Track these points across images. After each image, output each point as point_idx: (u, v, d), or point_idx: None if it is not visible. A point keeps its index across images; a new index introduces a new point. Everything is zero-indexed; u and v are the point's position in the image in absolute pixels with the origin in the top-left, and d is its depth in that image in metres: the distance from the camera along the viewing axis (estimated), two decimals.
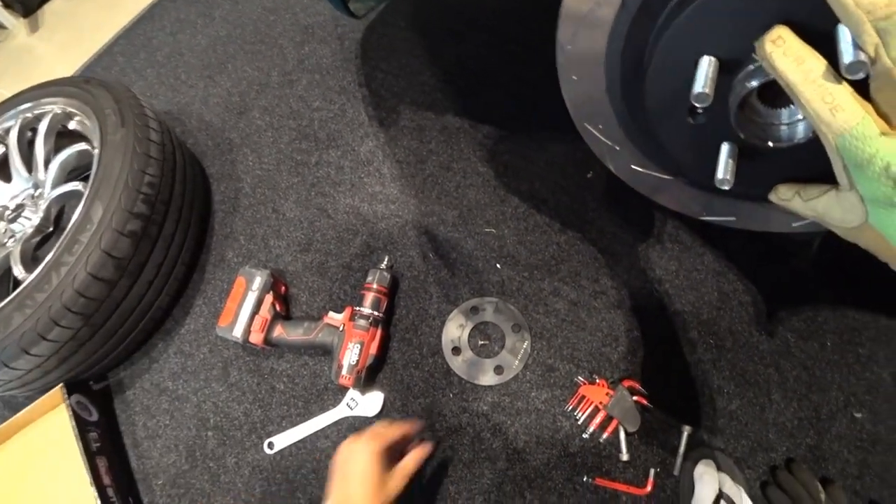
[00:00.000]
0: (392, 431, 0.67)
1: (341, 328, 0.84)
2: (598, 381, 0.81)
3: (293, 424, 0.85)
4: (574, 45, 0.54)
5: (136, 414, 0.91)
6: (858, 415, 0.78)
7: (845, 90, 0.34)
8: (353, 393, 0.85)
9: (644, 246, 0.91)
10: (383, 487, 0.61)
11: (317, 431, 0.84)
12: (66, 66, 1.60)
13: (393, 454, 0.65)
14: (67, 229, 0.84)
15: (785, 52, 0.36)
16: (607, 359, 0.84)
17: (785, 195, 0.48)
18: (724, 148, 0.48)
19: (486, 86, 1.10)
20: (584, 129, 0.64)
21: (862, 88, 0.35)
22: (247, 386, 0.89)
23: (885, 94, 0.34)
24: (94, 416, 0.89)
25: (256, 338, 0.85)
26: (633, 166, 0.64)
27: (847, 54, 0.33)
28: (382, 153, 1.05)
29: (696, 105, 0.42)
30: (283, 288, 0.93)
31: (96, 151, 0.92)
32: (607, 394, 0.79)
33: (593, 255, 0.91)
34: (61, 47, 1.77)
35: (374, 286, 0.85)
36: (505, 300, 0.88)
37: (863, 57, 0.33)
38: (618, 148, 0.63)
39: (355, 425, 0.83)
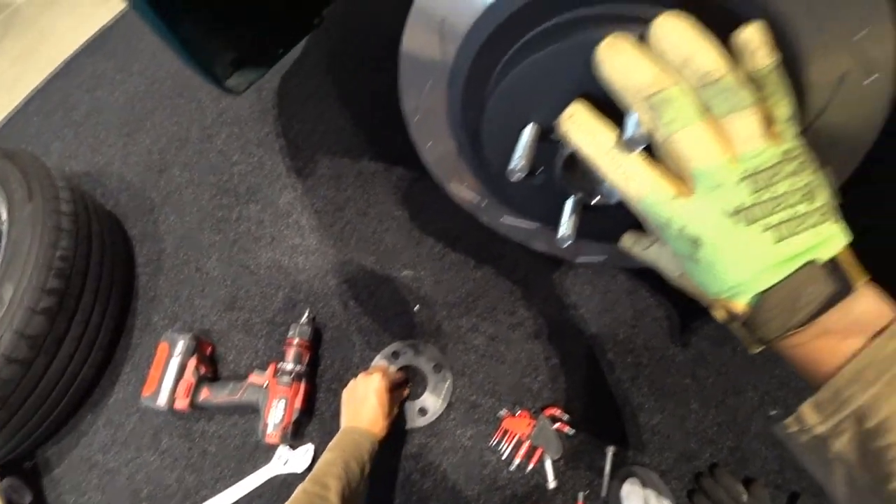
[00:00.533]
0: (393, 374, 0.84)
1: (265, 385, 0.85)
2: (520, 412, 0.84)
3: (227, 486, 0.84)
4: (420, 116, 0.56)
5: (65, 493, 0.89)
6: (773, 412, 0.82)
7: (636, 160, 0.36)
8: (282, 449, 0.85)
9: (557, 274, 0.95)
10: (387, 412, 0.77)
11: (250, 492, 0.84)
12: None
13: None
14: None
15: (577, 128, 0.38)
16: (528, 389, 0.87)
17: (627, 243, 0.50)
18: (568, 204, 0.49)
19: (398, 127, 1.11)
20: (450, 189, 0.65)
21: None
22: (178, 452, 0.88)
23: (669, 162, 0.36)
24: (29, 499, 0.87)
25: (182, 404, 0.84)
26: (502, 220, 0.66)
27: (627, 130, 0.35)
28: (301, 204, 1.06)
29: (512, 176, 0.43)
30: (208, 349, 0.93)
31: (3, 228, 0.90)
32: (529, 424, 0.82)
33: (509, 289, 0.94)
34: None
35: (296, 340, 0.86)
36: (425, 341, 0.90)
37: (640, 132, 0.35)
38: (484, 202, 0.64)
39: (288, 481, 0.84)
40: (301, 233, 1.03)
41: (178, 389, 0.85)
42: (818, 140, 0.39)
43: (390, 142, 1.10)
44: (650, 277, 0.92)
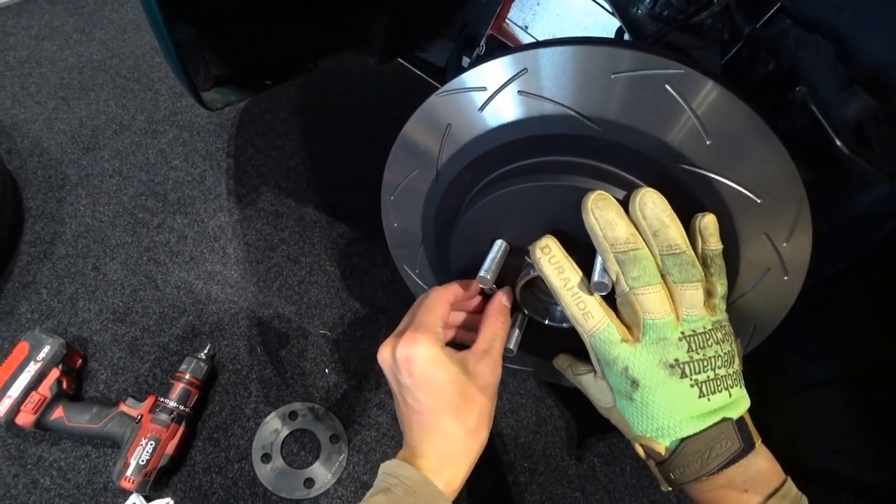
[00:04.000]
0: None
1: (138, 419, 0.72)
2: None
3: None
4: (396, 197, 0.56)
5: None
6: None
7: (595, 300, 0.40)
8: (135, 498, 0.71)
9: None
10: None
11: None
12: None
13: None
14: None
15: (549, 260, 0.41)
16: None
17: (562, 364, 0.52)
18: (516, 317, 0.51)
19: (351, 184, 1.08)
20: (403, 270, 0.65)
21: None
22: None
23: (626, 309, 0.40)
24: None
25: (25, 419, 0.69)
26: None
27: (595, 274, 0.39)
28: (232, 231, 0.96)
29: (482, 283, 0.44)
30: (79, 361, 0.78)
31: None
32: None
33: None
34: None
35: (187, 377, 0.75)
36: (328, 408, 0.82)
37: (606, 280, 0.38)
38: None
39: None
40: (224, 261, 0.93)
41: (26, 401, 0.69)
42: (735, 316, 0.45)
43: (339, 199, 1.05)
44: (557, 388, 0.92)
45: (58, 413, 0.71)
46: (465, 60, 0.84)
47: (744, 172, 0.38)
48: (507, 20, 0.76)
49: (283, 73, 0.83)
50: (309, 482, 0.77)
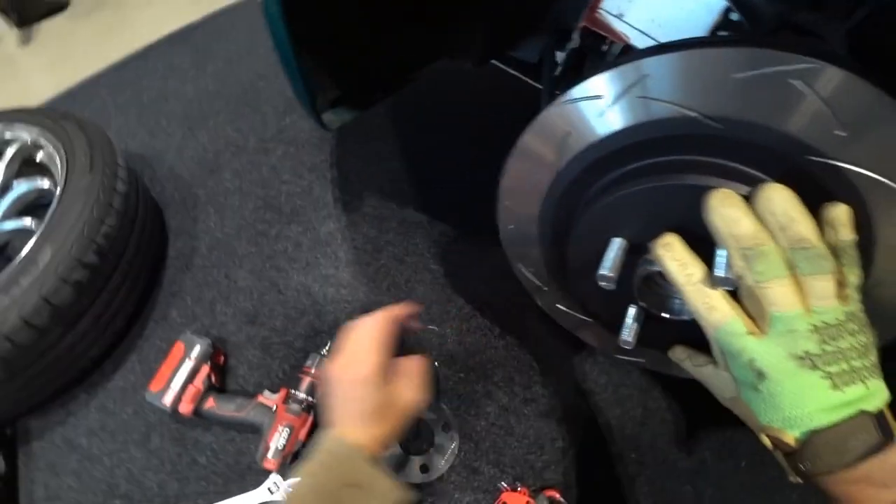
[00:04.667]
0: (398, 310, 0.61)
1: (274, 409, 0.80)
2: (520, 488, 0.79)
3: (208, 503, 0.78)
4: (512, 201, 0.57)
5: (38, 470, 0.82)
6: None
7: (720, 293, 0.40)
8: (275, 477, 0.79)
9: (578, 358, 0.92)
10: (387, 370, 0.53)
11: None
12: (47, 86, 1.54)
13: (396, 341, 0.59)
14: (8, 267, 0.79)
15: (672, 257, 0.42)
16: (531, 466, 0.83)
17: (679, 355, 0.52)
18: (631, 311, 0.51)
19: (450, 184, 1.12)
20: (517, 269, 0.66)
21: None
22: (167, 455, 0.82)
23: (750, 302, 0.40)
24: (2, 469, 0.80)
25: (186, 408, 0.79)
26: (557, 305, 0.67)
27: (718, 270, 0.39)
28: (341, 236, 1.04)
29: (602, 280, 0.45)
30: (221, 359, 0.88)
31: (58, 191, 0.87)
32: (528, 502, 0.77)
33: (529, 363, 0.91)
34: (48, 66, 1.70)
35: (313, 371, 0.82)
36: (437, 399, 0.86)
37: (730, 275, 0.38)
38: (545, 288, 0.66)
39: None
40: (336, 264, 1.00)
41: (185, 393, 0.80)
42: (870, 306, 0.42)
43: (439, 198, 1.09)
44: (663, 379, 0.90)
45: (209, 403, 0.81)
46: (560, 55, 0.84)
47: (881, 161, 0.36)
48: (599, 10, 0.75)
49: (391, 87, 0.88)
50: (424, 468, 0.81)
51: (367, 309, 0.94)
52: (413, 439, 0.83)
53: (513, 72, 0.86)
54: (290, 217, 1.07)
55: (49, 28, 1.86)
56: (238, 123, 1.28)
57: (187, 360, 0.82)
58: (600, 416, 0.87)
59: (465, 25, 0.78)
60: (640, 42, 0.74)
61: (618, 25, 0.75)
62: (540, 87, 0.86)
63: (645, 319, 0.51)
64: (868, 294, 0.43)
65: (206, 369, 0.82)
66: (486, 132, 1.13)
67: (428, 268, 0.99)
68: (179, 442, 0.83)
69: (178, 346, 0.83)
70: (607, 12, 0.75)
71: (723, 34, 0.60)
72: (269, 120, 1.28)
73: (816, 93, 0.35)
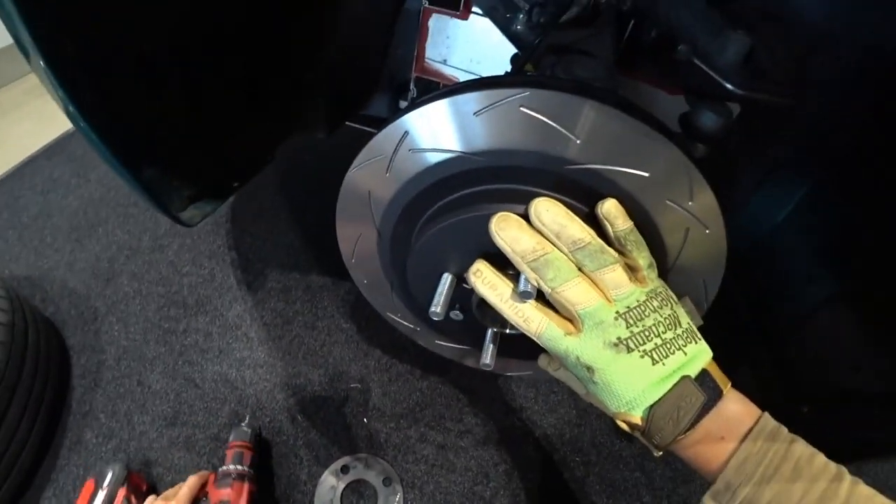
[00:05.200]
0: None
1: (205, 494, 0.78)
2: None
3: None
4: (355, 259, 0.63)
5: None
6: None
7: (531, 305, 0.44)
8: None
9: (501, 379, 0.97)
10: None
11: None
12: None
13: None
14: None
15: (483, 282, 0.46)
16: (481, 497, 0.85)
17: (542, 362, 0.57)
18: (488, 335, 0.56)
19: None
20: (387, 317, 0.71)
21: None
22: None
23: (559, 307, 0.44)
24: None
25: None
26: (437, 341, 0.71)
27: (520, 285, 0.44)
28: (250, 317, 1.04)
29: (434, 317, 0.49)
30: (143, 486, 0.84)
31: None
32: None
33: (455, 396, 0.95)
34: None
35: (236, 443, 0.81)
36: (374, 454, 0.88)
37: (529, 288, 0.43)
38: (418, 329, 0.70)
39: None
40: (250, 345, 1.00)
41: None
42: (680, 277, 0.49)
43: (337, 257, 1.12)
44: None
45: None
46: (403, 103, 0.92)
47: (622, 156, 0.43)
48: (426, 60, 0.84)
49: (247, 173, 0.90)
50: None
51: (287, 383, 0.95)
52: (356, 502, 0.84)
53: (367, 129, 0.92)
54: (196, 308, 1.06)
55: None
56: (129, 226, 1.26)
57: (100, 491, 0.78)
58: (536, 428, 0.92)
59: (306, 100, 0.83)
60: (466, 78, 0.83)
61: (445, 70, 0.84)
62: None
63: (502, 339, 0.56)
64: (673, 268, 0.49)
65: (122, 492, 0.78)
66: None
67: (340, 328, 1.02)
68: None
69: (88, 485, 0.79)
70: (433, 60, 0.84)
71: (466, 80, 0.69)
72: (159, 217, 1.26)
73: (543, 114, 0.42)
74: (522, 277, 0.44)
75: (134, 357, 1.01)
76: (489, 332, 0.56)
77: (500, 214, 0.43)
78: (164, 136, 0.69)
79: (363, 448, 0.88)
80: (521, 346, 0.56)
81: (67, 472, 0.88)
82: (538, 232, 0.43)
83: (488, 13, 0.69)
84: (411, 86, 0.86)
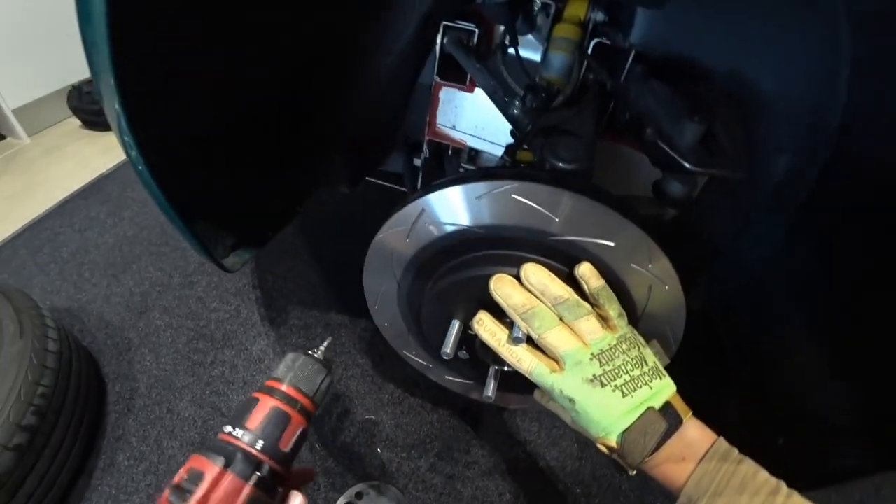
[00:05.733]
0: None
1: None
2: None
3: None
4: (378, 306, 0.72)
5: None
6: None
7: (523, 348, 0.53)
8: None
9: (507, 413, 1.04)
10: None
11: None
12: None
13: None
14: None
15: (484, 329, 0.56)
16: None
17: (538, 397, 0.65)
18: (490, 372, 0.65)
19: (361, 283, 1.24)
20: (404, 356, 0.80)
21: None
22: None
23: (546, 350, 0.53)
24: None
25: None
26: (446, 376, 0.81)
27: (514, 332, 0.54)
28: (273, 351, 1.13)
29: (444, 356, 0.60)
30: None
31: None
32: None
33: (463, 429, 1.02)
34: None
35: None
36: (386, 482, 0.94)
37: (520, 334, 0.53)
38: (430, 366, 0.79)
39: None
40: None
41: None
42: (649, 325, 0.59)
43: (355, 297, 1.20)
44: None
45: None
46: (417, 161, 1.03)
47: (591, 230, 0.53)
48: (437, 125, 0.96)
49: (280, 223, 1.01)
50: None
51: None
52: None
53: (385, 183, 1.03)
54: (223, 342, 1.15)
55: None
56: (160, 263, 1.36)
57: None
58: (540, 460, 0.98)
59: (330, 159, 0.94)
60: (473, 143, 0.95)
61: (454, 134, 0.96)
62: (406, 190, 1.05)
63: (503, 375, 0.64)
64: (643, 318, 0.59)
65: None
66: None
67: (356, 363, 1.10)
68: None
69: None
70: (443, 126, 0.95)
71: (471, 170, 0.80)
72: (189, 255, 1.37)
73: (529, 199, 0.53)
74: (515, 326, 0.54)
75: (164, 386, 1.09)
76: (491, 369, 0.64)
77: (497, 275, 0.54)
78: (212, 193, 0.79)
79: (376, 476, 0.95)
80: (518, 382, 0.65)
81: (100, 492, 0.95)
82: (527, 290, 0.53)
83: (490, 96, 0.81)
84: (424, 146, 0.98)
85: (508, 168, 0.73)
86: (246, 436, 0.47)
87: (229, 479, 0.43)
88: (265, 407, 0.49)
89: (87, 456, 1.00)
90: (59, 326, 1.03)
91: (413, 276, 0.65)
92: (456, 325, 0.61)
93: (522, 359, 0.53)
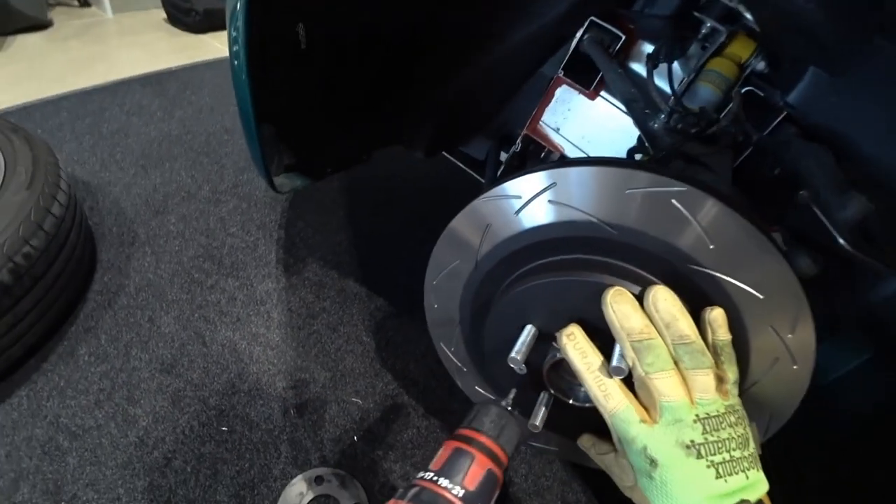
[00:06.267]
0: None
1: None
2: None
3: None
4: (438, 282, 0.61)
5: None
6: None
7: (615, 382, 0.44)
8: None
9: None
10: None
11: None
12: (5, 97, 1.49)
13: None
14: None
15: (574, 346, 0.45)
16: None
17: (585, 443, 0.55)
18: (542, 396, 0.54)
19: (390, 262, 1.15)
20: (440, 348, 0.69)
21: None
22: None
23: (643, 392, 0.43)
24: None
25: None
26: (476, 387, 0.69)
27: (614, 360, 0.43)
28: (278, 297, 1.03)
29: (513, 363, 0.48)
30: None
31: None
32: None
33: None
34: (11, 78, 1.66)
35: None
36: (353, 476, 0.83)
37: (623, 365, 0.42)
38: (465, 369, 0.68)
39: None
40: (268, 324, 0.98)
41: None
42: (751, 403, 0.48)
43: (379, 275, 1.12)
44: (582, 472, 0.90)
45: None
46: (503, 155, 0.94)
47: (746, 273, 0.43)
48: (540, 122, 0.86)
49: (343, 163, 0.93)
50: None
51: (291, 374, 0.92)
52: None
53: (460, 164, 0.94)
54: (230, 270, 1.06)
55: (24, 43, 1.84)
56: (194, 171, 1.28)
57: None
58: None
59: (415, 120, 0.86)
60: (571, 153, 0.85)
61: (554, 137, 0.86)
62: (483, 181, 0.95)
63: (554, 406, 0.54)
64: (746, 392, 0.48)
65: None
66: (434, 218, 1.19)
67: (360, 339, 0.99)
68: (53, 496, 0.74)
69: None
70: (547, 125, 0.86)
71: (634, 156, 0.69)
72: (226, 173, 1.29)
73: (693, 214, 0.42)
74: (617, 353, 0.43)
75: (154, 293, 0.99)
76: (543, 395, 0.54)
77: (616, 288, 0.44)
78: (292, 101, 0.71)
79: (344, 466, 0.84)
80: (565, 420, 0.54)
81: (49, 378, 0.85)
82: (648, 316, 0.42)
83: (626, 103, 0.72)
84: (518, 141, 0.88)
85: (677, 165, 0.62)
86: (468, 496, 0.41)
87: None
88: (482, 467, 0.44)
89: (49, 337, 0.90)
90: (71, 194, 0.94)
91: (500, 261, 0.53)
92: (531, 332, 0.50)
93: (611, 395, 0.43)
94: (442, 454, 0.44)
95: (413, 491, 0.40)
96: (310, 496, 0.79)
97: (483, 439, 0.45)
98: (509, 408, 0.49)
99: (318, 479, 0.81)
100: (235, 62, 0.60)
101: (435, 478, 0.41)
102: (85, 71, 1.64)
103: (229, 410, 0.84)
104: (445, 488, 0.41)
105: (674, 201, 0.42)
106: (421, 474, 0.42)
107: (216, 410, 0.84)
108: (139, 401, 0.84)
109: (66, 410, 0.81)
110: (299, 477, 0.81)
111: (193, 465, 0.78)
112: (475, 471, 0.42)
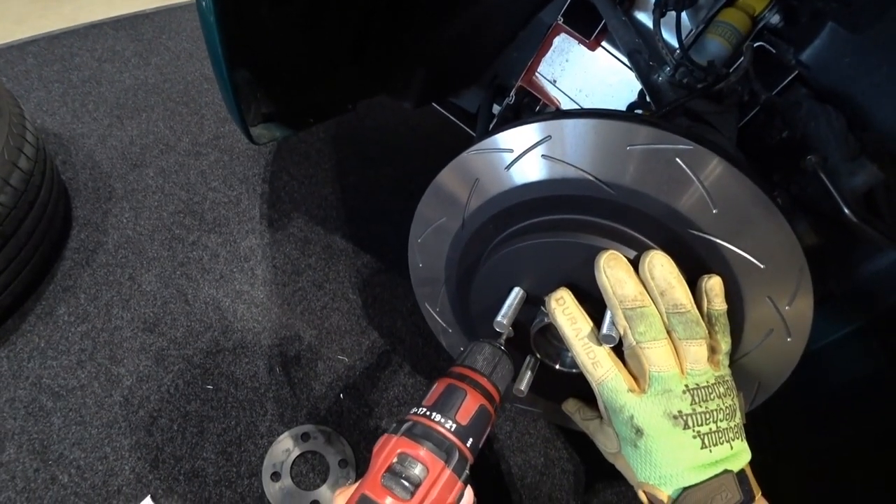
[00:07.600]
0: None
1: None
2: None
3: None
4: (423, 240, 0.58)
5: None
6: None
7: (605, 350, 0.42)
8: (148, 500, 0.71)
9: None
10: None
11: None
12: None
13: None
14: None
15: (563, 311, 0.43)
16: None
17: (570, 408, 0.54)
18: (528, 360, 0.52)
19: (378, 218, 1.11)
20: (424, 308, 0.66)
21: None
22: (19, 470, 0.71)
23: (633, 362, 0.41)
24: None
25: None
26: (461, 347, 0.66)
27: (605, 327, 0.41)
28: (262, 253, 0.99)
29: (498, 327, 0.46)
30: None
31: None
32: None
33: None
34: None
35: None
36: (339, 432, 0.83)
37: (614, 333, 0.40)
38: (450, 330, 0.66)
39: None
40: (252, 281, 0.95)
41: None
42: (740, 374, 0.46)
43: (366, 231, 1.08)
44: (566, 432, 0.91)
45: None
46: (496, 108, 0.88)
47: (748, 240, 0.39)
48: (536, 73, 0.80)
49: (325, 113, 0.87)
50: None
51: (276, 332, 0.90)
52: (306, 473, 0.79)
53: (451, 117, 0.89)
54: (212, 226, 1.01)
55: None
56: (173, 122, 1.21)
57: None
58: (503, 462, 0.87)
59: (404, 68, 0.79)
60: (568, 107, 0.80)
61: (550, 90, 0.80)
62: (475, 135, 0.90)
63: (540, 370, 0.52)
64: (737, 362, 0.46)
65: None
66: (426, 172, 1.14)
67: (346, 297, 0.97)
68: (39, 455, 0.73)
69: None
70: (543, 76, 0.80)
71: (635, 111, 0.64)
72: (206, 124, 1.22)
73: (697, 174, 0.38)
74: (608, 321, 0.41)
75: (134, 250, 0.95)
76: (528, 358, 0.52)
77: (611, 252, 0.40)
78: (269, 45, 0.65)
79: (330, 422, 0.83)
80: (551, 384, 0.52)
81: (28, 339, 0.82)
82: (642, 282, 0.40)
83: (629, 55, 0.66)
84: (512, 93, 0.82)
85: (682, 122, 0.57)
86: (460, 430, 0.41)
87: (448, 477, 0.39)
88: (475, 402, 0.43)
89: (26, 297, 0.86)
90: (41, 147, 0.88)
91: (488, 219, 0.50)
92: (518, 295, 0.47)
93: (600, 363, 0.41)
94: (435, 390, 0.43)
95: (406, 425, 0.40)
96: (296, 452, 0.79)
97: (476, 376, 0.45)
98: (502, 347, 0.47)
99: (305, 436, 0.81)
100: (203, 2, 0.54)
101: (428, 413, 0.41)
102: (50, 12, 1.51)
103: (214, 369, 0.82)
104: (438, 422, 0.40)
105: (678, 160, 0.38)
106: (414, 410, 0.42)
107: (201, 369, 0.82)
108: (122, 360, 0.82)
109: (47, 371, 0.79)
110: (285, 434, 0.80)
111: (179, 424, 0.77)
112: (468, 406, 0.42)
